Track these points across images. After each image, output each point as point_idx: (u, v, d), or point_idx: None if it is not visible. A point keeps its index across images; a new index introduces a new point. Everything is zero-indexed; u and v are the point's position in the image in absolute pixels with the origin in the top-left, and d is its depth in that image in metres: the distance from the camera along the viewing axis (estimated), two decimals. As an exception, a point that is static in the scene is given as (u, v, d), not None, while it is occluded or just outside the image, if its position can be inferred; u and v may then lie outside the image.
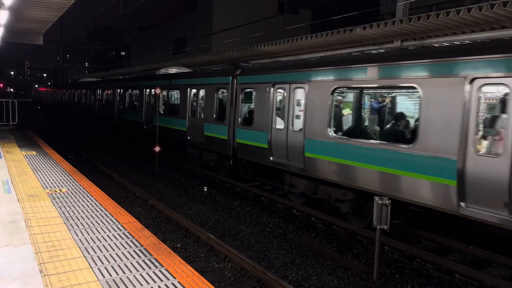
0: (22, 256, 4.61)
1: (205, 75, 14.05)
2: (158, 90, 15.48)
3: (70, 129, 30.97)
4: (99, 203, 7.10)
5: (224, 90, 12.68)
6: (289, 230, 8.93)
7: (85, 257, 4.73)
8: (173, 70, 18.23)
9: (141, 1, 21.36)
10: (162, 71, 18.69)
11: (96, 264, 4.55)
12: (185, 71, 17.71)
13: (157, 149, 14.81)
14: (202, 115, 13.75)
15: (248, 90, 11.56)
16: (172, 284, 4.19)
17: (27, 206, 6.60)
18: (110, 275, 4.30)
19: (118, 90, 21.99)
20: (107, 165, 15.95)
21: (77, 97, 31.22)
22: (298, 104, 9.90)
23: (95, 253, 4.87)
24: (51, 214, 6.26)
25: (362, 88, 8.15)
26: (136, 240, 5.39)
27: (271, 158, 10.45)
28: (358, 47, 11.26)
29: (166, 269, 4.52)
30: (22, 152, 12.25)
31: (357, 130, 8.40)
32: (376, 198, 6.45)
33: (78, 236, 5.39)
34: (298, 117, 9.86)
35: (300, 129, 9.56)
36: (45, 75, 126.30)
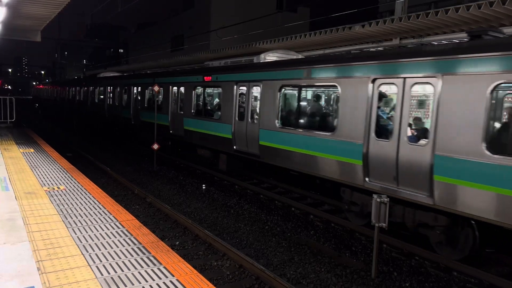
0: (20, 254, 4.59)
1: (436, 54, 6.62)
2: (156, 88, 14.80)
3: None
4: (97, 200, 7.09)
5: None
6: (288, 228, 8.94)
7: (83, 255, 4.72)
8: (294, 56, 11.94)
9: (139, -2, 21.25)
10: (270, 56, 11.89)
11: (94, 262, 4.54)
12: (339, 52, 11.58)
13: (155, 146, 14.77)
14: (426, 139, 6.78)
15: None
16: (171, 282, 4.18)
17: (25, 204, 6.58)
18: (109, 273, 4.29)
19: (174, 88, 15.24)
20: (105, 163, 15.91)
21: (97, 96, 24.20)
22: None
23: (93, 251, 4.86)
24: (49, 212, 6.24)
25: None
26: (134, 238, 5.38)
27: None
28: (357, 45, 11.28)
29: (164, 267, 4.51)
30: (20, 149, 12.21)
31: None
32: (375, 196, 6.47)
33: (76, 234, 5.38)
34: None
35: None
36: (43, 72, 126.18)
